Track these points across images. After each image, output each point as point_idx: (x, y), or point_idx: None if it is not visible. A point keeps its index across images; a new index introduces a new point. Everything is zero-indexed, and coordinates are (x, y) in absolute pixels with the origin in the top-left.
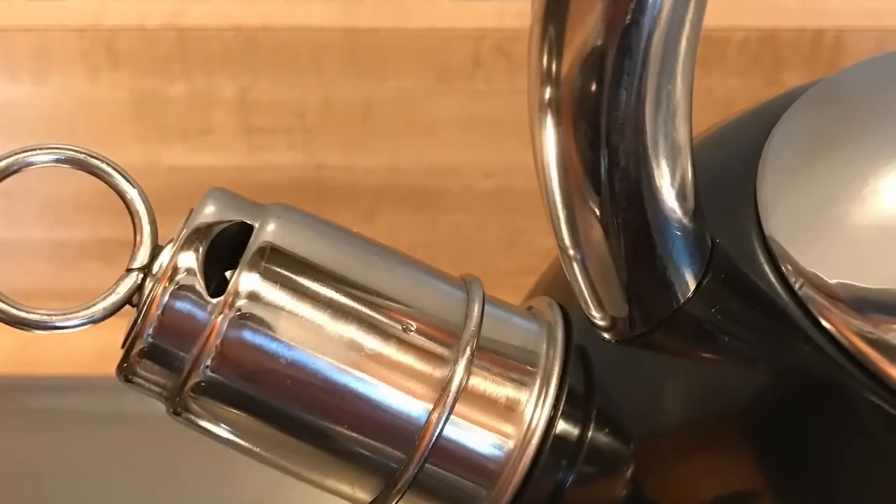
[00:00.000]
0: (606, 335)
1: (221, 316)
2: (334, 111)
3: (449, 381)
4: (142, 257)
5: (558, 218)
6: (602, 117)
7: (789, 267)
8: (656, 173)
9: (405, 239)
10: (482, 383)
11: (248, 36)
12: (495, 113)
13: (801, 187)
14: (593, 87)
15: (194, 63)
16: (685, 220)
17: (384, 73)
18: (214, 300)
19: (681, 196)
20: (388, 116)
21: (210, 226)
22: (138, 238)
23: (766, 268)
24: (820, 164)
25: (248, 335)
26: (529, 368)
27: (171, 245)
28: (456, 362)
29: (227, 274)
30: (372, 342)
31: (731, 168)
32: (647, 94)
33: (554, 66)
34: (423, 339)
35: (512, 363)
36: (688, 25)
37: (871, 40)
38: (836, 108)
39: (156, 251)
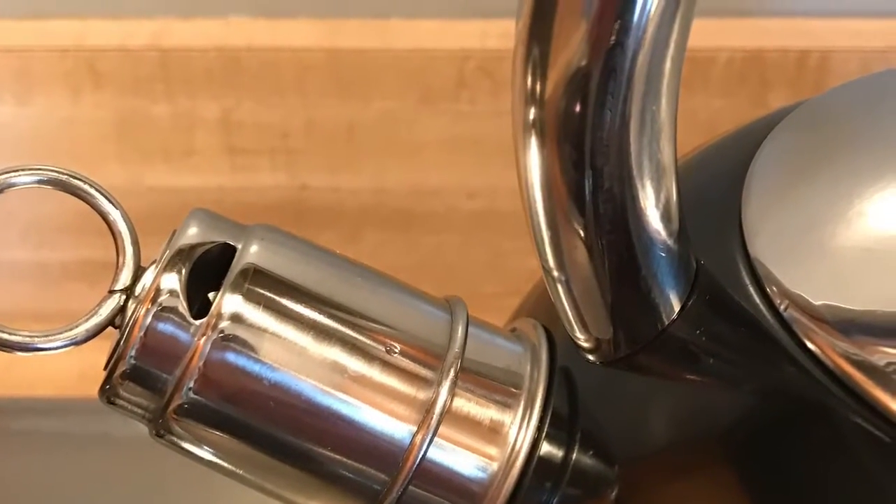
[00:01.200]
0: (591, 357)
1: (204, 338)
2: (318, 132)
3: (433, 402)
4: (124, 279)
5: (542, 239)
6: (586, 138)
7: (774, 288)
8: (641, 195)
9: (389, 260)
10: (466, 405)
11: (231, 56)
12: (479, 134)
13: (786, 208)
14: (577, 108)
15: (177, 84)
16: (670, 242)
17: (368, 93)
18: (197, 322)
19: (665, 217)
20: (371, 137)
21: (193, 247)
22: (121, 259)
23: (751, 289)
24: (805, 185)
25: (231, 357)
26: (513, 390)
27: (153, 266)
28: (440, 384)
29: (210, 295)
30: (355, 364)
31: (715, 189)
32: (631, 116)
33: (538, 87)
34: (407, 360)
35: (496, 385)
36: (672, 46)
37: (856, 61)
38: (821, 129)
39: (138, 273)
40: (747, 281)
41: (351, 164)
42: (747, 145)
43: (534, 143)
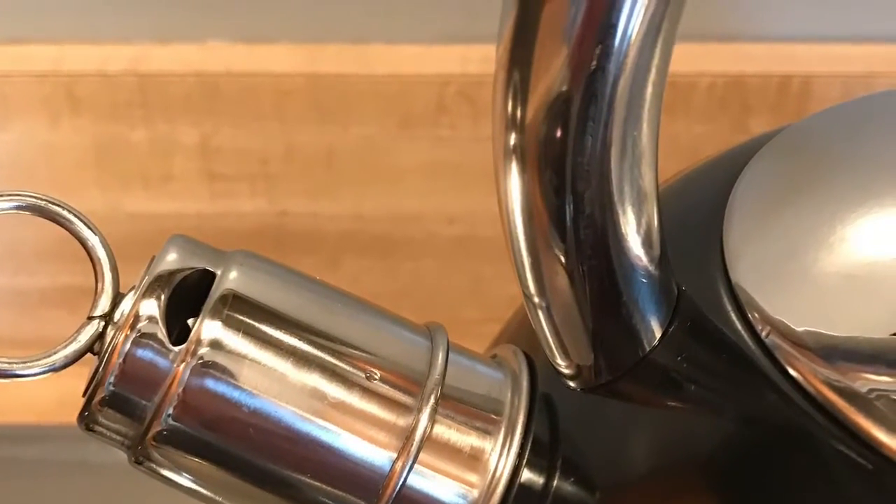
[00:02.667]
0: (572, 383)
1: (184, 364)
2: (297, 158)
3: (413, 429)
4: (103, 305)
5: (523, 265)
6: (567, 164)
7: (756, 315)
8: (622, 220)
9: (369, 287)
10: (446, 432)
11: (210, 82)
12: (459, 159)
13: (767, 234)
14: (558, 134)
15: (156, 109)
16: (651, 268)
17: (347, 119)
18: (176, 348)
19: (647, 243)
20: (351, 163)
21: (172, 273)
22: (99, 286)
23: (733, 315)
24: (787, 210)
25: (210, 383)
26: (494, 417)
27: (132, 293)
28: (420, 410)
29: (190, 322)
30: (335, 390)
31: (697, 215)
32: (612, 141)
33: (519, 112)
34: (387, 387)
35: (476, 411)
36: (654, 71)
37: (838, 86)
38: (803, 154)
39: (117, 299)
40: (729, 307)
41: (330, 190)
42: (729, 171)
43: (514, 168)
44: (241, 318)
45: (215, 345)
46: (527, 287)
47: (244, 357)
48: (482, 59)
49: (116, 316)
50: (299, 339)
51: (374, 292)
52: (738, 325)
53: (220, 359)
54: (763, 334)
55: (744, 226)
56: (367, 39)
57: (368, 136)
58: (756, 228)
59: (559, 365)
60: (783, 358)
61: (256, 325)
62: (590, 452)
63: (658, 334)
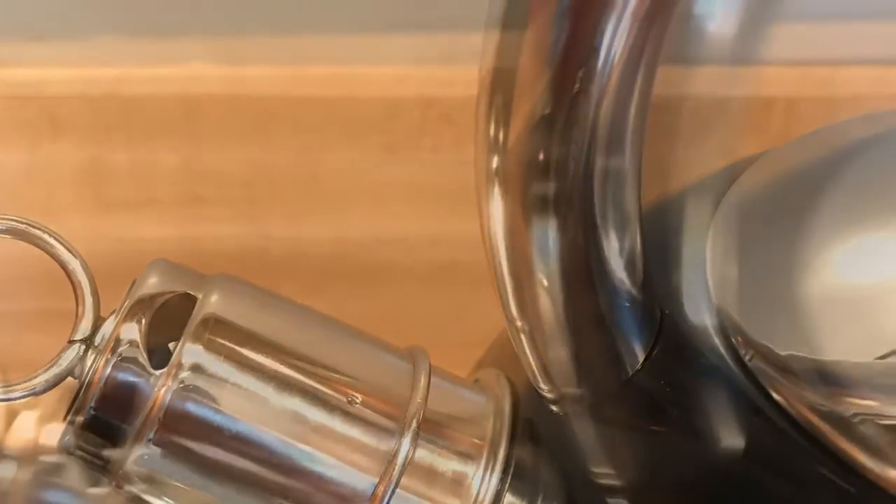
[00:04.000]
0: (555, 407)
1: (164, 388)
2: (280, 181)
3: (395, 454)
4: (84, 329)
5: (506, 289)
6: (549, 187)
7: (739, 338)
8: (605, 244)
9: (351, 311)
10: (428, 456)
11: (192, 104)
12: (442, 182)
13: (751, 257)
14: (541, 157)
15: (137, 132)
16: (634, 292)
17: (330, 142)
18: (157, 372)
19: (630, 267)
20: (334, 186)
21: (153, 297)
22: (80, 310)
23: (716, 339)
24: (770, 233)
25: (191, 407)
26: (476, 441)
27: (113, 316)
28: (402, 435)
29: (171, 345)
30: (316, 414)
31: (680, 238)
32: (595, 164)
33: (501, 135)
34: (369, 411)
35: (459, 436)
36: (637, 94)
37: (823, 109)
38: (787, 177)
39: (98, 323)
40: (712, 331)
41: (313, 214)
42: (712, 194)
43: (496, 191)
44: (222, 342)
45: (196, 369)
46: (509, 311)
47: (225, 381)
48: (465, 81)
49: (97, 340)
50: (280, 364)
51: (356, 316)
52: (722, 350)
53: (201, 383)
54: (746, 358)
55: (727, 249)
56: (349, 61)
57: (351, 159)
58: (740, 251)
59: (542, 389)
60: (767, 382)
61: (237, 349)
62: (573, 476)
63: (641, 358)
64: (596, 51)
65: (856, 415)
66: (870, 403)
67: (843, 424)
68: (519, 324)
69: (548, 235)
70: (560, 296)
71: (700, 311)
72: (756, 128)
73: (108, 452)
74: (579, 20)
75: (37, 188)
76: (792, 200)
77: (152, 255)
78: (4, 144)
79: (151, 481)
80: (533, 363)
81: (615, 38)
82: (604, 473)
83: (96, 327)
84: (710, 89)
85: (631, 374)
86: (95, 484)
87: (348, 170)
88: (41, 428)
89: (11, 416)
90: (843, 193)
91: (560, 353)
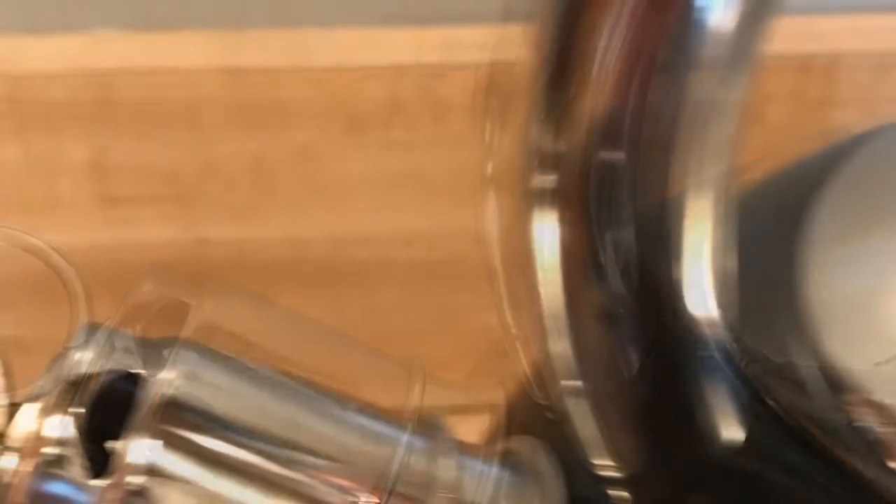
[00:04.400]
0: (619, 492)
1: (109, 502)
2: (216, 173)
3: None
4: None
5: (562, 335)
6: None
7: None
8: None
9: None
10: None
11: (102, 83)
12: (419, 167)
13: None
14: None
15: (31, 120)
16: (727, 338)
17: (278, 124)
18: (98, 481)
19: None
20: (284, 177)
21: (88, 378)
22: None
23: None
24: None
25: None
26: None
27: (33, 405)
28: None
29: (110, 444)
30: None
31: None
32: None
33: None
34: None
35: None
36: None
37: (868, 67)
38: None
39: (12, 411)
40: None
41: (259, 211)
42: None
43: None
44: (184, 433)
45: (152, 472)
46: (563, 367)
47: (192, 486)
48: (441, 43)
49: (13, 435)
50: (262, 457)
51: None
52: (830, 414)
53: (159, 491)
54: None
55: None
56: (298, 22)
57: (304, 143)
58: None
59: (601, 468)
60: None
61: (206, 441)
62: (571, 473)
63: (739, 430)
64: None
65: (853, 422)
66: (868, 410)
67: (840, 431)
68: (578, 386)
69: (545, 233)
70: (558, 295)
71: (700, 311)
72: (793, 91)
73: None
74: (579, 19)
75: (37, 182)
76: (793, 198)
77: (56, 269)
78: (4, 139)
79: None
80: (594, 435)
81: (614, 36)
82: (603, 468)
83: (9, 416)
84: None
85: (728, 453)
86: (97, 476)
87: (301, 157)
88: (43, 420)
89: (13, 408)
90: (843, 191)
91: (631, 423)
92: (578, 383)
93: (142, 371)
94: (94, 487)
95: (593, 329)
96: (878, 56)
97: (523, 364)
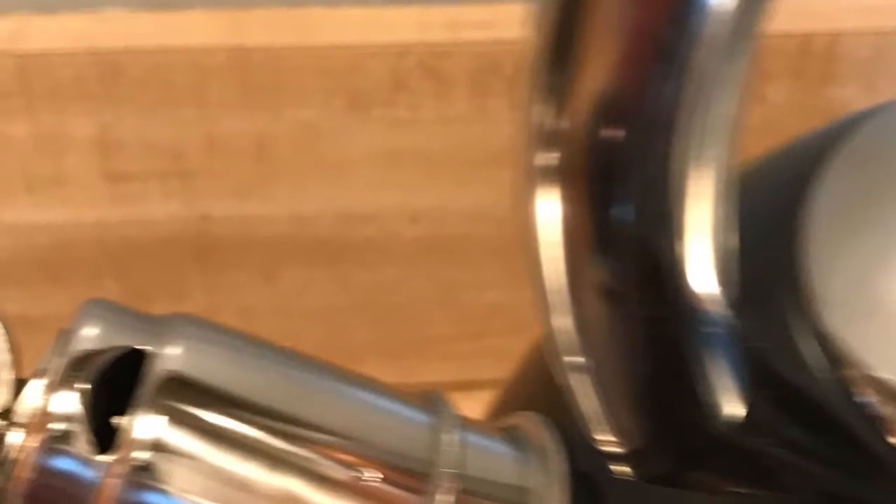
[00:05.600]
0: (621, 468)
1: (116, 477)
2: (220, 150)
3: None
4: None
5: (563, 311)
6: (632, 177)
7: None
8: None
9: (314, 302)
10: None
11: (108, 60)
12: (422, 145)
13: (852, 263)
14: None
15: (39, 97)
16: (729, 314)
17: (282, 102)
18: (105, 457)
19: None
20: (287, 154)
21: (92, 355)
22: None
23: (823, 376)
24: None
25: (152, 500)
26: None
27: (41, 381)
28: None
29: (116, 420)
30: (318, 497)
31: (758, 229)
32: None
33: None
34: (385, 486)
35: None
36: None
37: (868, 45)
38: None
39: (19, 388)
40: (815, 362)
41: (263, 188)
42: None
43: (549, 189)
44: (189, 410)
45: (158, 448)
46: (566, 343)
47: (198, 461)
48: (446, 22)
49: (19, 411)
50: (267, 433)
51: (321, 308)
52: (830, 389)
53: (165, 466)
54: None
55: (824, 254)
56: (303, 1)
57: (308, 121)
58: (838, 256)
59: (603, 443)
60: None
61: (210, 417)
62: None
63: (741, 406)
64: None
65: (854, 397)
66: (869, 386)
67: (840, 407)
68: (579, 361)
69: (548, 210)
70: (561, 271)
71: (701, 288)
72: (793, 69)
73: None
74: None
75: (43, 159)
76: (794, 176)
77: (62, 246)
78: (12, 116)
79: None
80: (596, 412)
81: (616, 14)
82: (605, 443)
83: (16, 393)
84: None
85: (729, 429)
86: (103, 451)
87: (305, 134)
88: (49, 396)
89: (20, 385)
90: (844, 169)
91: (633, 399)
92: (581, 359)
93: (147, 347)
94: (100, 463)
95: (595, 305)
96: (879, 34)
97: (587, 403)
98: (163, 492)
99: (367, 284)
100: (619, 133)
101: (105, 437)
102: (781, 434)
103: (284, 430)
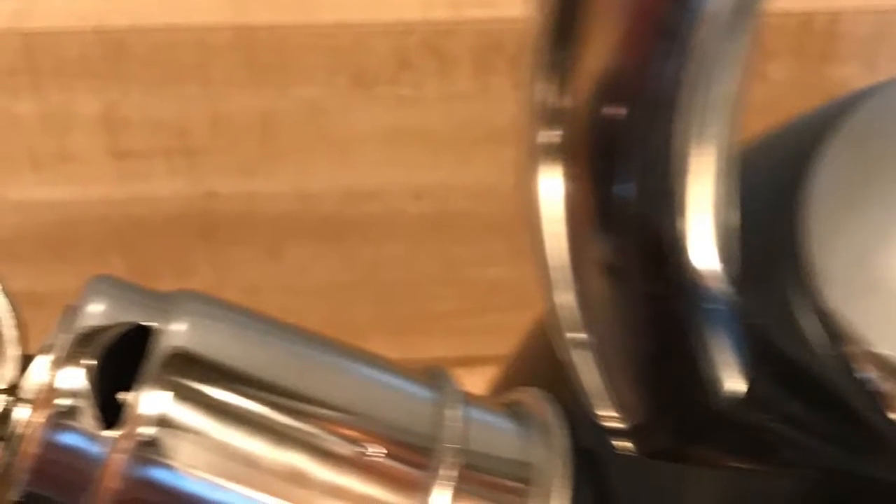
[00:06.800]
0: (621, 443)
1: (122, 452)
2: (225, 127)
3: None
4: (6, 374)
5: (565, 287)
6: (633, 154)
7: (854, 348)
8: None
9: (319, 279)
10: None
11: (113, 38)
12: (425, 123)
13: (853, 242)
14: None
15: (46, 75)
16: (730, 291)
17: (286, 80)
18: (111, 432)
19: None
20: (292, 132)
21: (98, 331)
22: None
23: (824, 353)
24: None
25: (158, 475)
26: (523, 487)
27: (47, 357)
28: (432, 488)
29: (121, 395)
30: (322, 472)
31: (758, 206)
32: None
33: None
34: (389, 461)
35: (501, 482)
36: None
37: (868, 24)
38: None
39: (25, 364)
40: (816, 339)
41: (268, 165)
42: (795, 148)
43: (549, 167)
44: (194, 385)
45: (163, 423)
46: (568, 319)
47: (203, 437)
48: (449, 1)
49: (26, 387)
50: (272, 408)
51: (325, 285)
52: (831, 365)
53: (171, 442)
54: (858, 375)
55: (825, 231)
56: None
57: (312, 98)
58: (838, 233)
59: (605, 419)
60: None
61: (216, 392)
62: None
63: (742, 382)
64: None
65: (854, 373)
66: (869, 362)
67: (841, 383)
68: (581, 337)
69: (551, 188)
70: (563, 248)
71: (702, 265)
72: (793, 48)
73: None
74: None
75: (49, 137)
76: (794, 154)
77: (68, 223)
78: (19, 94)
79: None
80: (597, 387)
81: None
82: (607, 419)
83: (23, 370)
84: None
85: (729, 404)
86: (109, 427)
87: (309, 112)
88: (56, 372)
89: (26, 361)
90: (844, 146)
91: (634, 375)
92: (583, 335)
93: (153, 323)
94: (106, 438)
95: (597, 282)
96: (879, 12)
97: (589, 379)
98: (168, 467)
99: (371, 261)
100: (621, 111)
101: (111, 413)
102: (782, 410)
103: (289, 405)
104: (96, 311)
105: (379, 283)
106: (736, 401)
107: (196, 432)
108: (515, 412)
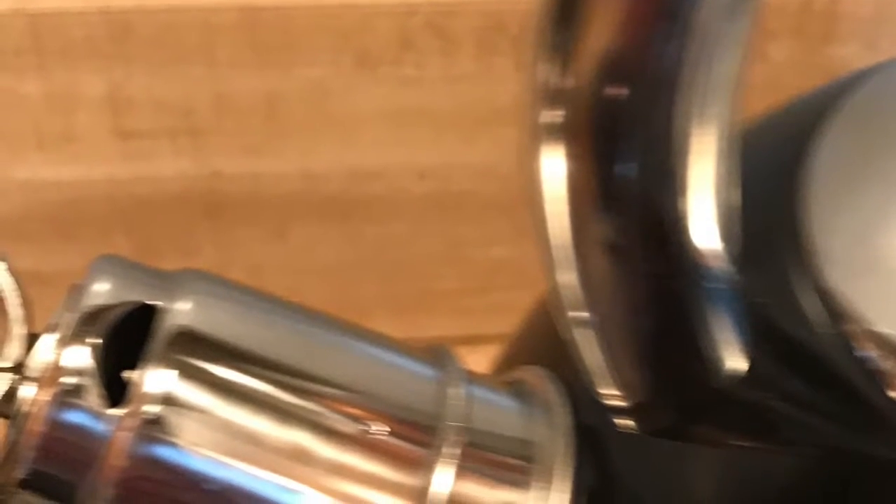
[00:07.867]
0: (624, 421)
1: (127, 430)
2: (230, 107)
3: (426, 490)
4: (12, 353)
5: (567, 265)
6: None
7: (855, 329)
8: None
9: (324, 258)
10: (471, 489)
11: (119, 19)
12: (429, 103)
13: (853, 220)
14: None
15: (51, 55)
16: (732, 270)
17: (291, 59)
18: (117, 410)
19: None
20: (296, 112)
21: (103, 310)
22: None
23: (823, 331)
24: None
25: (163, 453)
26: (525, 464)
27: (52, 335)
28: (435, 466)
29: (126, 374)
30: (325, 450)
31: (758, 186)
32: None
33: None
34: (392, 439)
35: (503, 459)
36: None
37: (869, 4)
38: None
39: (31, 342)
40: (815, 319)
41: (273, 145)
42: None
43: (552, 147)
44: (199, 363)
45: (168, 401)
46: (571, 298)
47: (207, 415)
48: (474, 11)
49: (31, 366)
50: (276, 386)
51: (329, 264)
52: (831, 344)
53: (175, 420)
54: (858, 354)
55: (825, 210)
56: None
57: (317, 79)
58: (839, 213)
59: (607, 397)
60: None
61: (220, 371)
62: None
63: (743, 361)
64: None
65: (854, 352)
66: (869, 341)
67: (841, 362)
68: (583, 316)
69: (553, 167)
70: (565, 227)
71: (704, 244)
72: (793, 28)
73: None
74: None
75: (54, 117)
76: (795, 133)
77: (73, 203)
78: (24, 74)
79: None
80: (599, 366)
81: None
82: (609, 397)
83: (29, 349)
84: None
85: (731, 383)
86: (114, 405)
87: (314, 92)
88: (61, 350)
89: (32, 339)
90: (845, 127)
91: (636, 354)
92: (585, 314)
93: (158, 302)
94: (112, 416)
95: (599, 261)
96: None
97: (592, 358)
98: (173, 445)
99: (375, 240)
100: (622, 91)
101: (116, 392)
102: (783, 388)
103: (293, 383)
104: (101, 290)
105: (383, 263)
106: (737, 379)
107: (201, 410)
108: (518, 391)
